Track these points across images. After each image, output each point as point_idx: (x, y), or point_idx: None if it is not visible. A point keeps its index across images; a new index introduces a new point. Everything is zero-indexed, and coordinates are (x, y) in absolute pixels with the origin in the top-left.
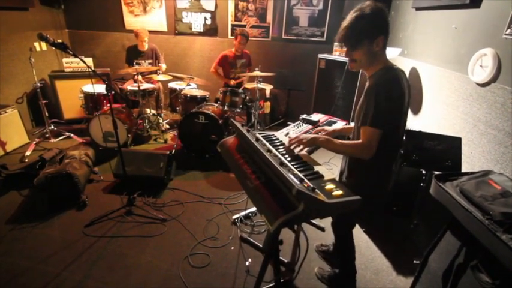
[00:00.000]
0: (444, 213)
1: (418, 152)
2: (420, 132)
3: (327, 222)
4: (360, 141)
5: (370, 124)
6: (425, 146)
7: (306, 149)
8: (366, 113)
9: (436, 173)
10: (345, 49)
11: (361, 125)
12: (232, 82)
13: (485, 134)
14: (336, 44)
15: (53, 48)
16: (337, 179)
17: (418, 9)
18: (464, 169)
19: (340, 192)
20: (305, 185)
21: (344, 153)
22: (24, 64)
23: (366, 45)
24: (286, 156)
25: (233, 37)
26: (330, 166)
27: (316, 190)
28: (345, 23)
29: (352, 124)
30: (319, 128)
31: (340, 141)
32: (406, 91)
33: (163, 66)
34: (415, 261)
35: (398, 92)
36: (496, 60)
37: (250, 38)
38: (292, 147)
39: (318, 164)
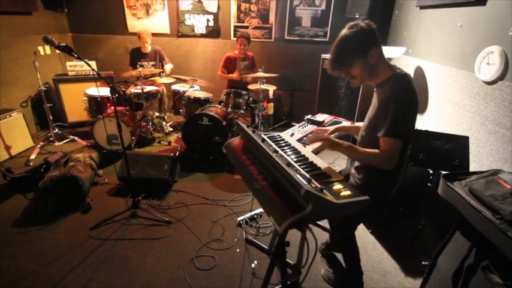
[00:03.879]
0: (452, 213)
1: (425, 152)
2: (427, 131)
3: None
4: (381, 150)
5: (390, 135)
6: (432, 145)
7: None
8: (384, 123)
9: (444, 172)
10: None
11: (381, 135)
12: (234, 76)
13: (493, 133)
14: None
15: (57, 51)
16: None
17: (422, 7)
18: (472, 168)
19: (348, 192)
20: (313, 186)
21: (365, 163)
22: (28, 68)
23: (360, 60)
24: (293, 157)
25: (235, 38)
26: (335, 167)
27: (324, 190)
28: (333, 47)
29: (357, 124)
30: (321, 128)
31: (363, 149)
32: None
33: (169, 66)
34: (423, 263)
35: (414, 100)
36: (503, 57)
37: (253, 39)
38: (316, 143)
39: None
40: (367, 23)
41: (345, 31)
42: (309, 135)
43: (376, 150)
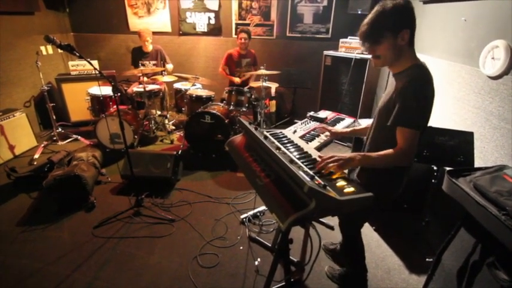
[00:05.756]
0: (457, 209)
1: (429, 148)
2: (430, 127)
3: (335, 220)
4: (398, 147)
5: (409, 125)
6: (436, 141)
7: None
8: (400, 113)
9: (448, 168)
10: (351, 45)
11: (396, 124)
12: (237, 80)
13: (499, 128)
14: (341, 40)
15: (59, 51)
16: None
17: (425, 2)
18: (477, 164)
19: (352, 189)
20: (316, 182)
21: (384, 166)
22: (31, 68)
23: (390, 38)
24: (296, 154)
25: (236, 36)
26: None
27: (328, 187)
28: (367, 19)
29: (361, 122)
30: (323, 126)
31: (377, 153)
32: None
33: (170, 67)
34: (427, 259)
35: (432, 92)
36: (509, 52)
37: (254, 37)
38: (326, 168)
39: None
40: (406, 1)
41: (381, 5)
42: (312, 132)
43: (391, 150)
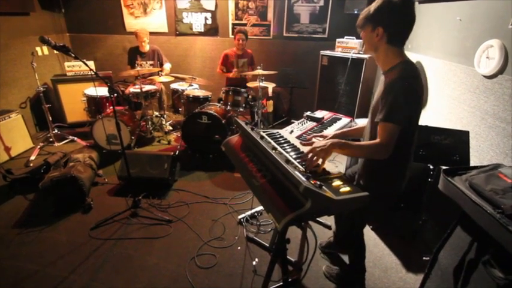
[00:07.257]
0: (453, 208)
1: (425, 147)
2: (426, 126)
3: (333, 219)
4: (377, 140)
5: (387, 120)
6: (432, 140)
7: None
8: (383, 108)
9: (444, 167)
10: (347, 45)
11: (380, 120)
12: (231, 74)
13: (494, 127)
14: (338, 40)
15: (55, 52)
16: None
17: (421, 2)
18: (472, 163)
19: (347, 188)
20: (312, 182)
21: (361, 156)
22: (26, 69)
23: (368, 30)
24: (292, 153)
25: (233, 36)
26: (335, 164)
27: (324, 187)
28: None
29: (358, 121)
30: (311, 136)
31: (356, 143)
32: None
33: (168, 66)
34: (424, 258)
35: (419, 87)
36: (503, 51)
37: (251, 37)
38: (313, 163)
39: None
40: (402, 2)
41: None
42: (309, 132)
43: (370, 142)
